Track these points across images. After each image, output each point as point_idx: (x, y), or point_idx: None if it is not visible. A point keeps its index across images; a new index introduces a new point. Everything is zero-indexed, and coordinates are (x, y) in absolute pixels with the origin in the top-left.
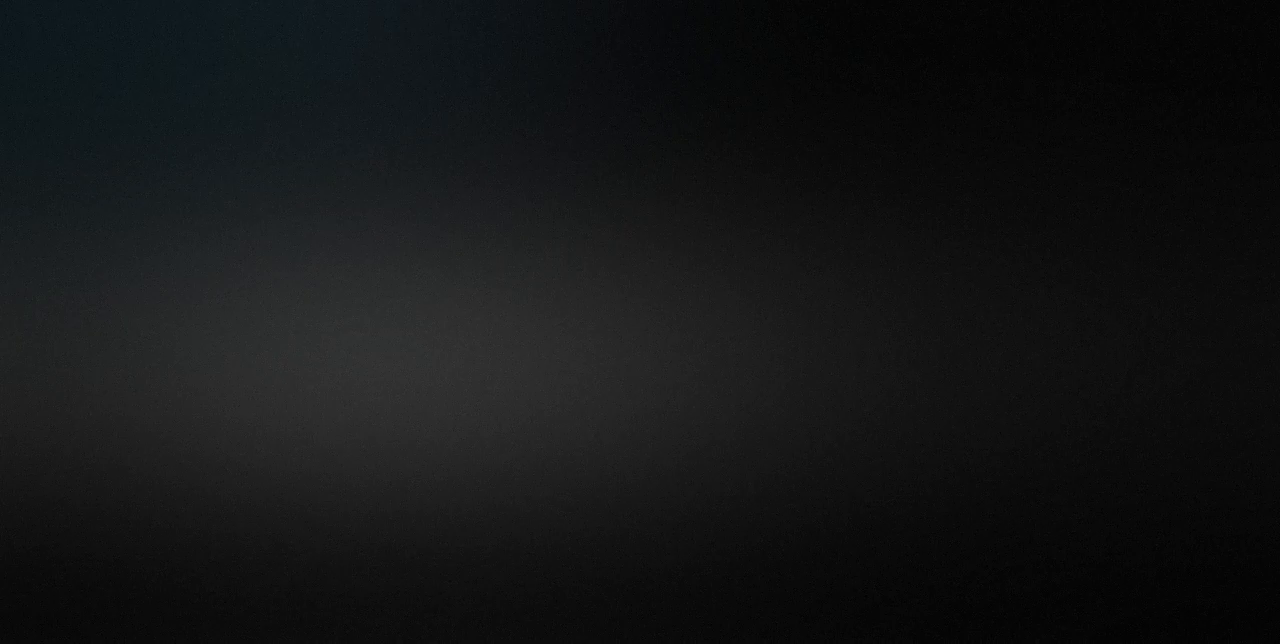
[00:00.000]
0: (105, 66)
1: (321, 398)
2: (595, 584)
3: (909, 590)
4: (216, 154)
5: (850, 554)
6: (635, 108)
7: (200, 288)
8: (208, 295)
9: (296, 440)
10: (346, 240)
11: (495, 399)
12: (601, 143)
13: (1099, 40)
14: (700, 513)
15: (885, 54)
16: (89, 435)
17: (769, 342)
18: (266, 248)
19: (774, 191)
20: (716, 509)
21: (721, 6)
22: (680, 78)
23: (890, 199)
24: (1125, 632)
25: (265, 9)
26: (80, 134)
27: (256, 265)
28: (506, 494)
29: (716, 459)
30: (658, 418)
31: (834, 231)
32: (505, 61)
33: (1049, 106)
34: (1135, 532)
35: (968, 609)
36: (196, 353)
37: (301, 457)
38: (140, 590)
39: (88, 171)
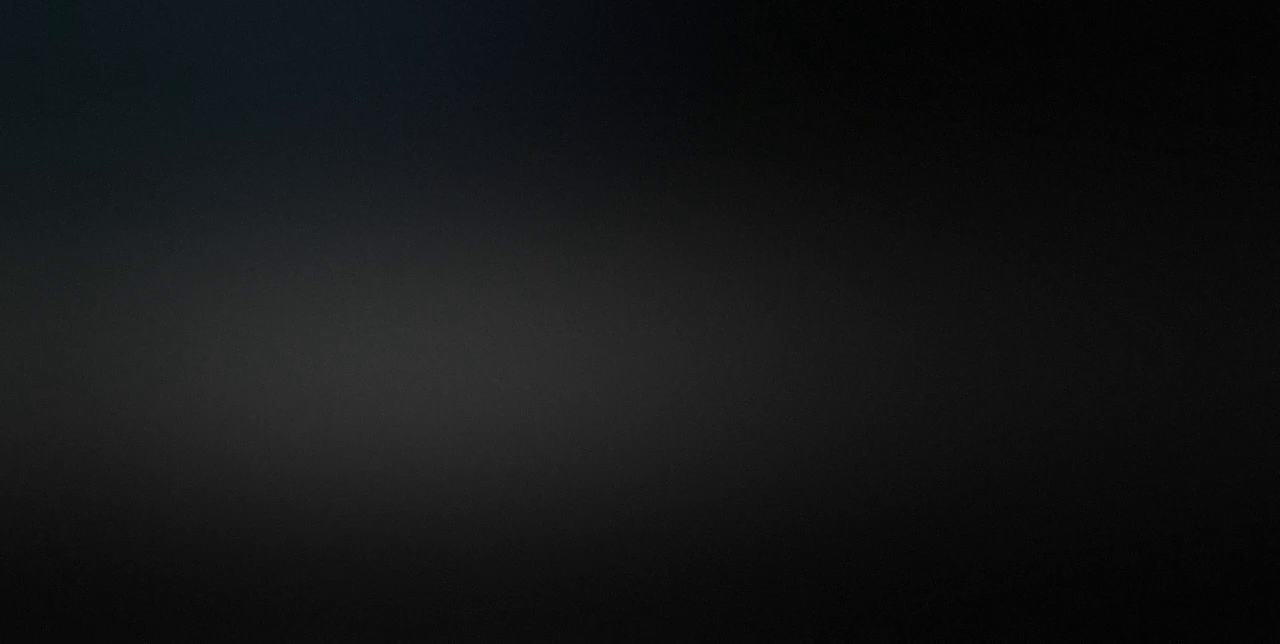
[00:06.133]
0: (106, 67)
1: (323, 398)
2: (595, 584)
3: (909, 591)
4: (222, 155)
5: (852, 554)
6: (636, 107)
7: (204, 288)
8: (211, 295)
9: (296, 440)
10: (350, 241)
11: (496, 399)
12: (603, 142)
13: (1106, 40)
14: (701, 514)
15: (886, 55)
16: (92, 435)
17: (770, 342)
18: (271, 248)
19: (774, 192)
20: (717, 510)
21: (726, 9)
22: (680, 78)
23: (892, 201)
24: (1125, 631)
25: (269, 8)
26: (87, 134)
27: (261, 266)
28: (506, 494)
29: (717, 460)
30: (659, 418)
31: (835, 232)
32: (508, 61)
33: (1052, 108)
34: (1135, 532)
35: (968, 609)
36: (199, 353)
37: (302, 456)
38: (142, 590)
39: (91, 171)
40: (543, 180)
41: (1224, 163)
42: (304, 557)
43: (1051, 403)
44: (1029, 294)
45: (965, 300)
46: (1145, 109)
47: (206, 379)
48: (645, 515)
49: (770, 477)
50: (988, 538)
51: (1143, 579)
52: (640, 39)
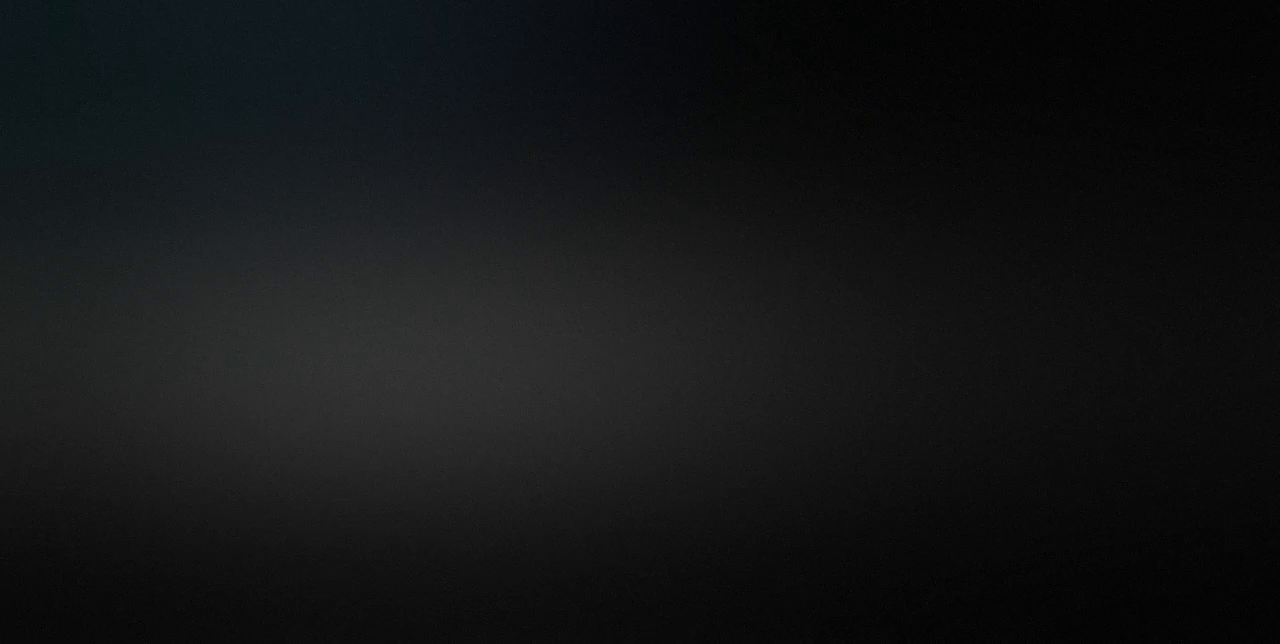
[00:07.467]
0: (106, 67)
1: (323, 398)
2: (595, 584)
3: (909, 591)
4: (222, 155)
5: (852, 554)
6: (636, 107)
7: (204, 288)
8: (211, 295)
9: (296, 440)
10: (350, 241)
11: (496, 399)
12: (603, 142)
13: (1106, 40)
14: (701, 514)
15: (886, 55)
16: (92, 435)
17: (770, 342)
18: (271, 248)
19: (774, 192)
20: (717, 510)
21: (726, 9)
22: (680, 78)
23: (892, 201)
24: (1125, 631)
25: (269, 8)
26: (87, 134)
27: (261, 266)
28: (506, 494)
29: (717, 460)
30: (659, 418)
31: (835, 232)
32: (508, 61)
33: (1052, 108)
34: (1135, 532)
35: (968, 609)
36: (199, 353)
37: (302, 456)
38: (142, 590)
39: (91, 171)
40: (543, 180)
41: (1224, 163)
42: (304, 557)
43: (1051, 403)
44: (1029, 294)
45: (965, 300)
46: (1145, 109)
47: (206, 379)
48: (645, 515)
49: (770, 477)
50: (988, 538)
51: (1143, 579)
52: (640, 39)
